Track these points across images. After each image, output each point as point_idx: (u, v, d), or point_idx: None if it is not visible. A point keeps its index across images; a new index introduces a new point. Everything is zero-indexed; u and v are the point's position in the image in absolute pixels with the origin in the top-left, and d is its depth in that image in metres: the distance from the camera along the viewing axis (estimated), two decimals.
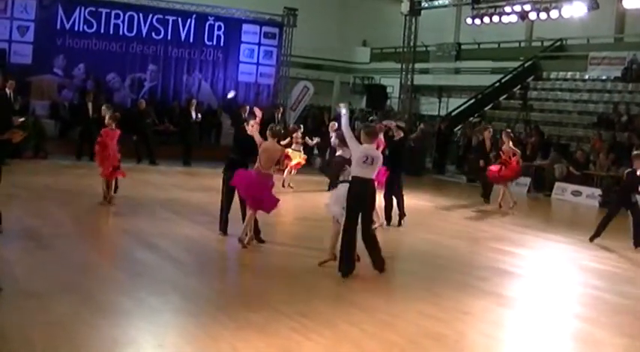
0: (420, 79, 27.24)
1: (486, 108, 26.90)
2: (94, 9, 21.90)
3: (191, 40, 23.43)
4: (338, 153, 9.84)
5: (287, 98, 25.65)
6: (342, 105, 9.23)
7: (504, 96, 26.90)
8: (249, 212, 9.49)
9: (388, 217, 12.19)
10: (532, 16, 22.24)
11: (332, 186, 9.13)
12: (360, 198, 8.23)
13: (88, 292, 6.91)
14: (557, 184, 19.30)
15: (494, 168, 15.77)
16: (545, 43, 27.81)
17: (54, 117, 20.82)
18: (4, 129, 8.44)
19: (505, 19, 22.75)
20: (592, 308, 8.07)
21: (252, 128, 9.57)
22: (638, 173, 11.59)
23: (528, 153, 20.39)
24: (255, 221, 9.69)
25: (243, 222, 9.58)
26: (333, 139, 12.79)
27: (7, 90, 16.10)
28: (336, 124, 14.15)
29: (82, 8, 21.77)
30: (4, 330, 5.68)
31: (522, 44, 29.15)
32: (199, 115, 20.55)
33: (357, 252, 8.42)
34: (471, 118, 26.28)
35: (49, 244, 8.85)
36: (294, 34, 24.99)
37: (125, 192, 12.94)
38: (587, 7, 20.38)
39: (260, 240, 9.77)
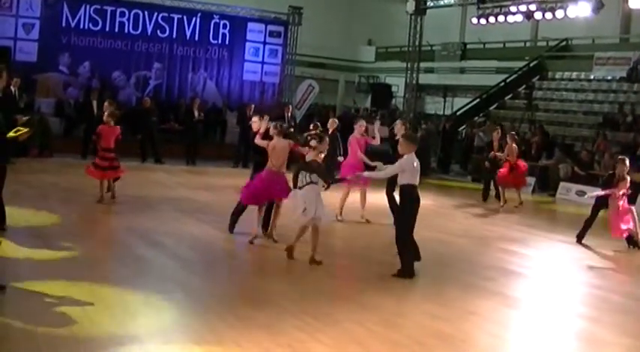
0: (425, 79, 27.17)
1: (491, 108, 26.88)
2: (99, 7, 21.90)
3: (196, 39, 23.40)
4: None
5: (292, 97, 25.63)
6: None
7: (509, 96, 26.88)
8: (274, 210, 9.76)
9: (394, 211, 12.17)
10: (537, 15, 22.18)
11: (326, 186, 9.09)
12: (419, 202, 8.43)
13: (92, 290, 6.91)
14: (561, 184, 19.25)
15: (503, 170, 15.86)
16: (551, 43, 27.75)
17: (59, 114, 20.80)
18: (9, 127, 8.45)
19: (510, 18, 22.71)
20: (596, 308, 8.09)
21: (258, 138, 9.75)
22: (615, 176, 11.59)
23: (533, 153, 20.34)
24: (267, 215, 9.88)
25: (261, 225, 9.89)
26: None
27: (12, 88, 16.13)
28: (336, 121, 14.15)
29: (88, 6, 21.77)
30: (8, 328, 5.67)
31: (528, 44, 29.13)
32: (202, 114, 20.53)
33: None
34: (476, 118, 26.27)
35: (53, 242, 8.84)
36: (299, 32, 24.93)
37: (130, 190, 12.94)
38: (593, 8, 20.32)
39: (269, 236, 9.89)
